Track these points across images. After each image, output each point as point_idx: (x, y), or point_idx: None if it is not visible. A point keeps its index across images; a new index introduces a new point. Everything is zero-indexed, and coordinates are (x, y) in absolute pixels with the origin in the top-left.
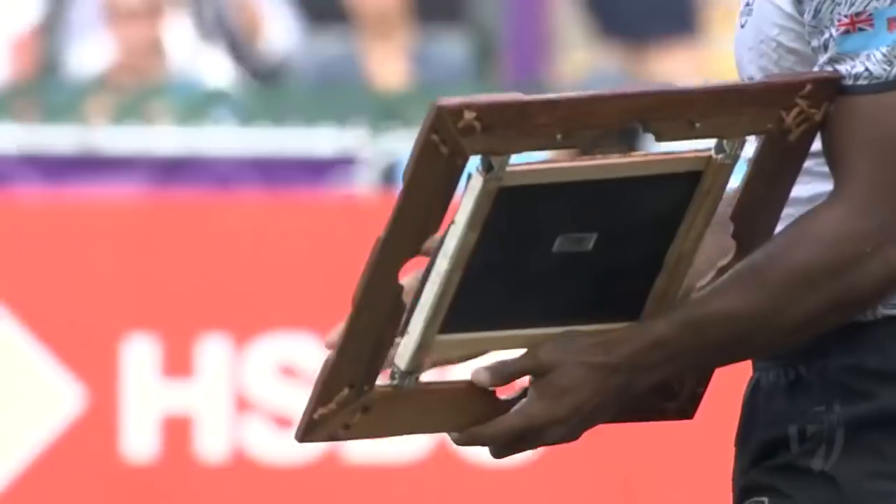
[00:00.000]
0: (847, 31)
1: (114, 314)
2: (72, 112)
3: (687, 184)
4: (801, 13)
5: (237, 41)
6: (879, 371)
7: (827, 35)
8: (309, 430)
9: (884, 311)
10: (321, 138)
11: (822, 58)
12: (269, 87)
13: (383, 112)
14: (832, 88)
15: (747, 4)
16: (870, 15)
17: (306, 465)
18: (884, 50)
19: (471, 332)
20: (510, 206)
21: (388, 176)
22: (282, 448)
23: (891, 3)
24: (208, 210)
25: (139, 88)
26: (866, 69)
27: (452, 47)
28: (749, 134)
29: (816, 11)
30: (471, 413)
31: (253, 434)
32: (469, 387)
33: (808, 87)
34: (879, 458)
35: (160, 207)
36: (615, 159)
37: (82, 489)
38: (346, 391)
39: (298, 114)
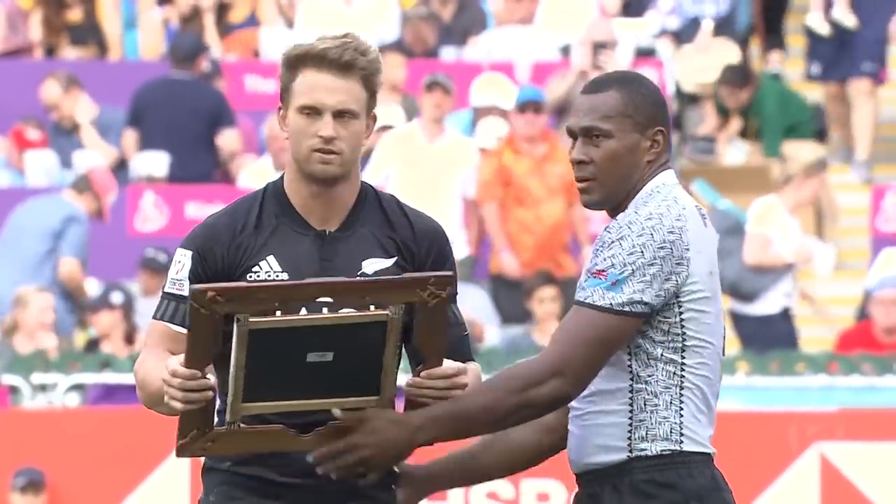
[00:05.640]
0: (595, 276)
1: None
2: None
3: (381, 326)
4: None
5: None
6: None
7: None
8: (179, 452)
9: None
10: None
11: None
12: None
13: None
14: (448, 280)
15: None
16: (604, 271)
17: None
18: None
19: (265, 402)
20: (263, 338)
21: None
22: None
23: (620, 272)
24: None
25: None
26: (592, 296)
27: None
28: (403, 302)
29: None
30: (287, 443)
31: None
32: (281, 428)
33: (432, 279)
34: None
35: None
36: (329, 314)
37: None
38: (194, 432)
39: None
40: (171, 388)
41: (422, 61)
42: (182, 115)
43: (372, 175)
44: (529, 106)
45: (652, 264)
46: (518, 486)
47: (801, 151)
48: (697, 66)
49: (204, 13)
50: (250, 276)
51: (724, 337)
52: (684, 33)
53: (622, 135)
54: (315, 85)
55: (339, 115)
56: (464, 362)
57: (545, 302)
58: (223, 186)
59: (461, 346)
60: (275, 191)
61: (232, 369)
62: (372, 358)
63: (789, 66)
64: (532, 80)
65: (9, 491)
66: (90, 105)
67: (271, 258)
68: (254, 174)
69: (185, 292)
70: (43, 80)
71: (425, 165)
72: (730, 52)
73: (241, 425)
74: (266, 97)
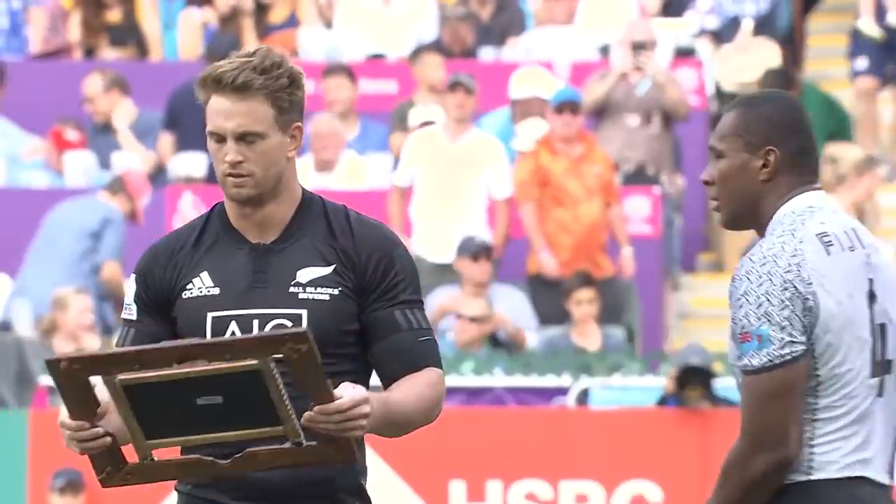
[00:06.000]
0: (743, 341)
1: None
2: None
3: (256, 373)
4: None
5: None
6: None
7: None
8: (103, 484)
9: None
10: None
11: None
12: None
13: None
14: (304, 336)
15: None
16: (748, 332)
17: None
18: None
19: (169, 438)
20: (139, 391)
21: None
22: None
23: (757, 327)
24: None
25: None
26: (749, 362)
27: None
28: (266, 356)
29: (733, 332)
30: (207, 470)
31: None
32: (197, 457)
33: (288, 336)
34: None
35: None
36: (194, 368)
37: None
38: (109, 468)
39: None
40: (65, 438)
41: (460, 61)
42: None
43: (399, 175)
44: (566, 106)
45: (783, 308)
46: (556, 487)
47: (848, 151)
48: (737, 65)
49: (243, 14)
50: (185, 294)
51: (875, 351)
52: (724, 33)
53: (732, 154)
54: (215, 110)
55: (242, 137)
56: (420, 368)
57: (583, 304)
58: None
59: (414, 350)
60: (220, 209)
61: (122, 418)
62: (261, 397)
63: (830, 66)
64: (571, 80)
65: (48, 492)
66: (129, 107)
67: (204, 274)
68: None
69: (134, 316)
70: (83, 79)
71: (448, 165)
72: (770, 52)
73: (154, 458)
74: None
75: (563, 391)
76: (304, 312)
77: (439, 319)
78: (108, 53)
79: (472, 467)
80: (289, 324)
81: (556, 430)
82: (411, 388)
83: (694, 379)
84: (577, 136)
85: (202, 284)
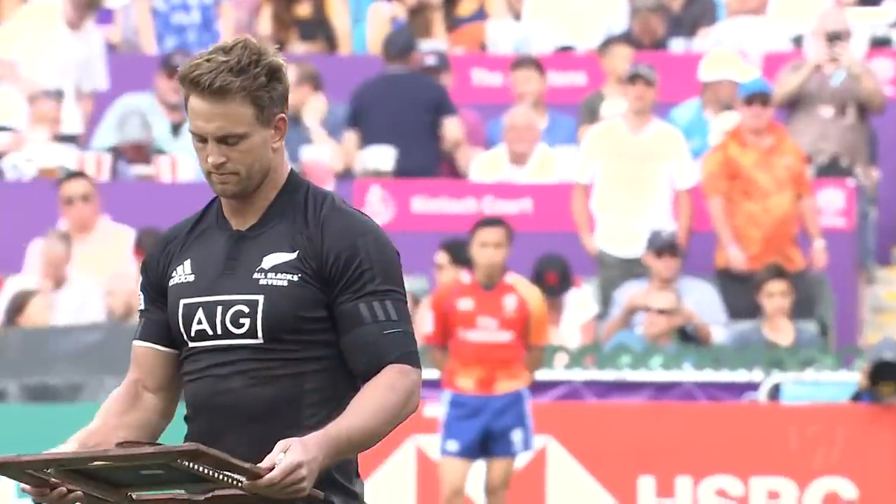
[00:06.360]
0: None
1: None
2: None
3: (170, 464)
4: None
5: None
6: None
7: None
8: None
9: None
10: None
11: None
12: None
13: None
14: (195, 452)
15: None
16: None
17: None
18: None
19: (136, 487)
20: (83, 472)
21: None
22: None
23: None
24: None
25: None
26: None
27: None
28: (168, 464)
29: None
30: None
31: None
32: (171, 498)
33: (178, 453)
34: None
35: None
36: (114, 464)
37: None
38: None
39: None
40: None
41: (650, 53)
42: (403, 109)
43: (580, 171)
44: (756, 98)
45: None
46: (747, 483)
47: None
48: None
49: (432, 7)
50: (170, 282)
51: None
52: None
53: None
54: (195, 111)
55: (223, 139)
56: (384, 364)
57: (775, 296)
58: (450, 181)
59: (379, 344)
60: (219, 200)
61: (80, 488)
62: (192, 474)
63: None
64: (763, 71)
65: None
66: (320, 101)
67: (187, 262)
68: (485, 166)
69: (143, 306)
70: None
71: (631, 158)
72: None
73: (134, 497)
74: (493, 90)
75: (754, 386)
76: (260, 298)
77: (629, 315)
78: (298, 47)
79: (662, 463)
80: (246, 309)
81: (747, 426)
82: (368, 402)
83: (888, 374)
84: (767, 128)
85: (183, 272)
